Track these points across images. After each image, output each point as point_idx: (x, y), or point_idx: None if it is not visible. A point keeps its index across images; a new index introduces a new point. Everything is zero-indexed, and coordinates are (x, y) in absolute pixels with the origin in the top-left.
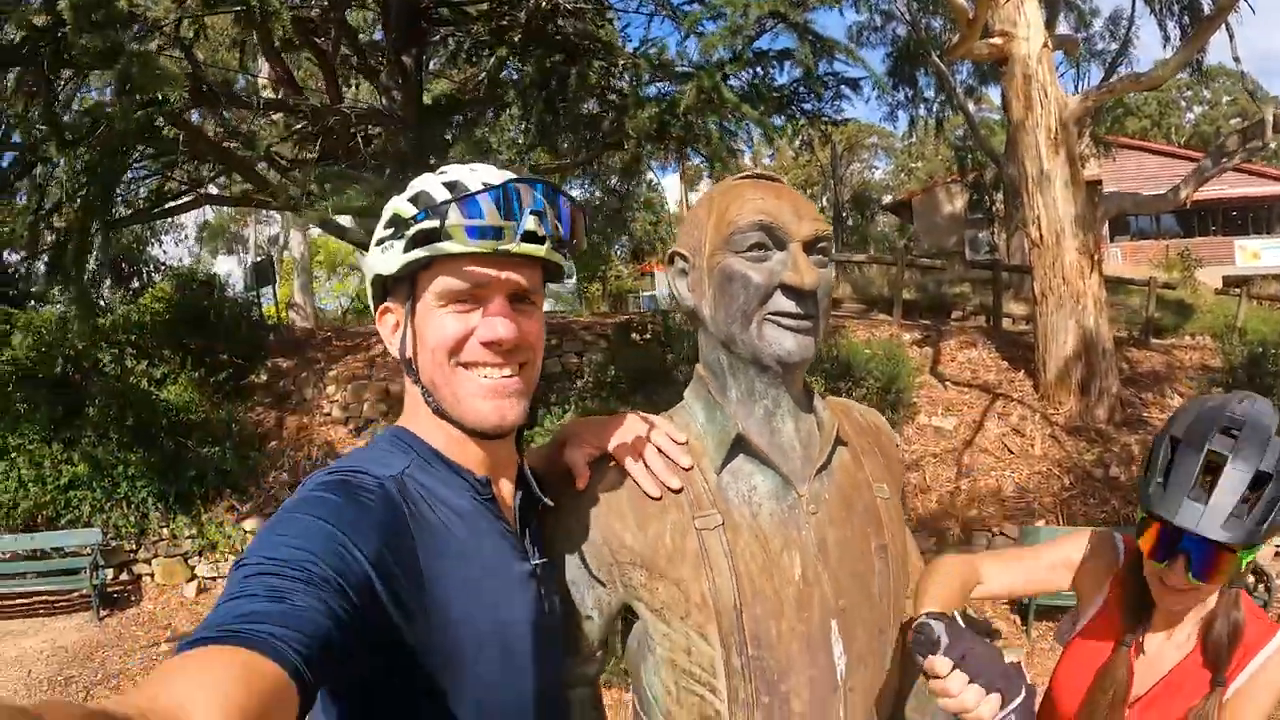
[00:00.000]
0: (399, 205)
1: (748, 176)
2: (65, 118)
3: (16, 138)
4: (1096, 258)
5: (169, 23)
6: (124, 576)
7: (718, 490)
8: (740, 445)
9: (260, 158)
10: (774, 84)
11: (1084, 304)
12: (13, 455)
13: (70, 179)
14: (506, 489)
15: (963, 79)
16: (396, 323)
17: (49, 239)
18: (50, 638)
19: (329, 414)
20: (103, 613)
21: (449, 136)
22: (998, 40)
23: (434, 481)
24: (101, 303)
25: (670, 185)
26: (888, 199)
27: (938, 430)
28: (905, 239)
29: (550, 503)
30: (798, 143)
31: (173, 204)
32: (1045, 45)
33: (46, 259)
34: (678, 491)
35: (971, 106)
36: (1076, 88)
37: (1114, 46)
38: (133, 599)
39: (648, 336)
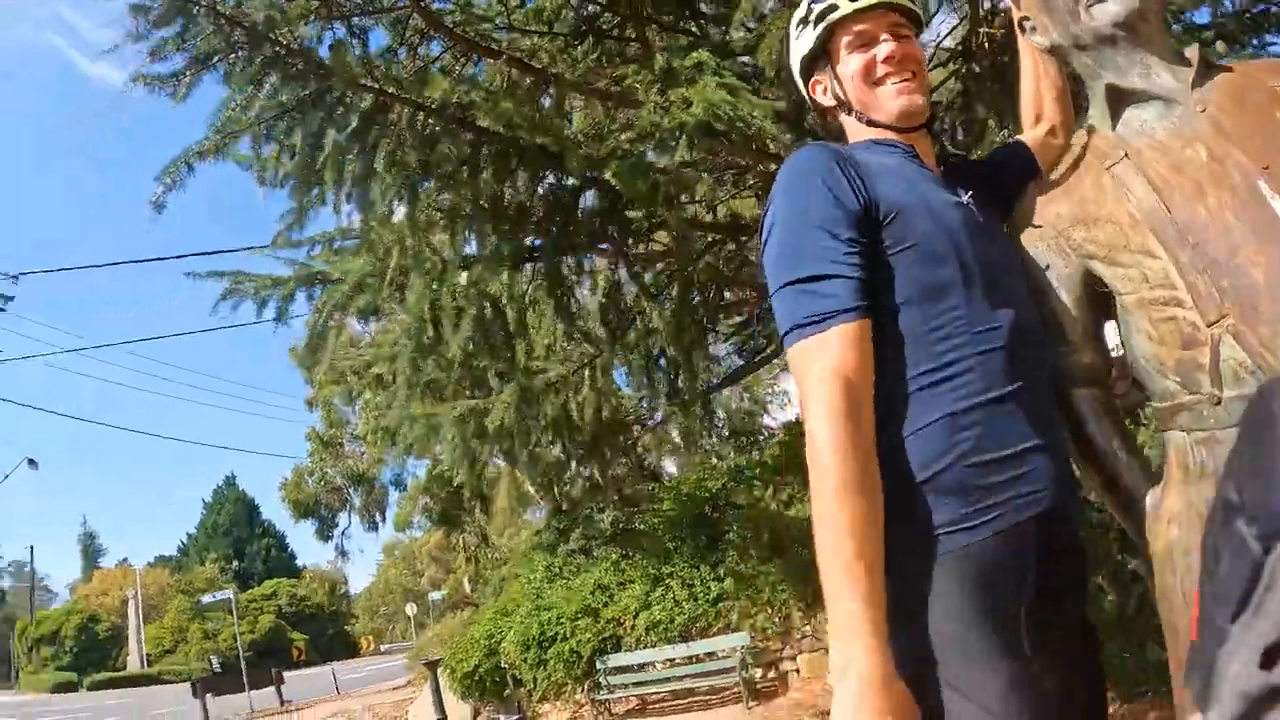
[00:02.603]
0: (798, 10)
1: None
2: (645, 277)
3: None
4: None
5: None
6: (771, 674)
7: (1117, 139)
8: (1118, 96)
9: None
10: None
11: None
12: (667, 581)
13: (664, 329)
14: (929, 161)
15: None
16: (825, 85)
17: (663, 389)
18: None
19: None
20: (751, 704)
21: None
22: None
23: (863, 153)
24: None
25: None
26: None
27: None
28: None
29: (959, 166)
30: None
31: (760, 360)
32: None
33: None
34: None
35: None
36: None
37: None
38: (779, 691)
39: None
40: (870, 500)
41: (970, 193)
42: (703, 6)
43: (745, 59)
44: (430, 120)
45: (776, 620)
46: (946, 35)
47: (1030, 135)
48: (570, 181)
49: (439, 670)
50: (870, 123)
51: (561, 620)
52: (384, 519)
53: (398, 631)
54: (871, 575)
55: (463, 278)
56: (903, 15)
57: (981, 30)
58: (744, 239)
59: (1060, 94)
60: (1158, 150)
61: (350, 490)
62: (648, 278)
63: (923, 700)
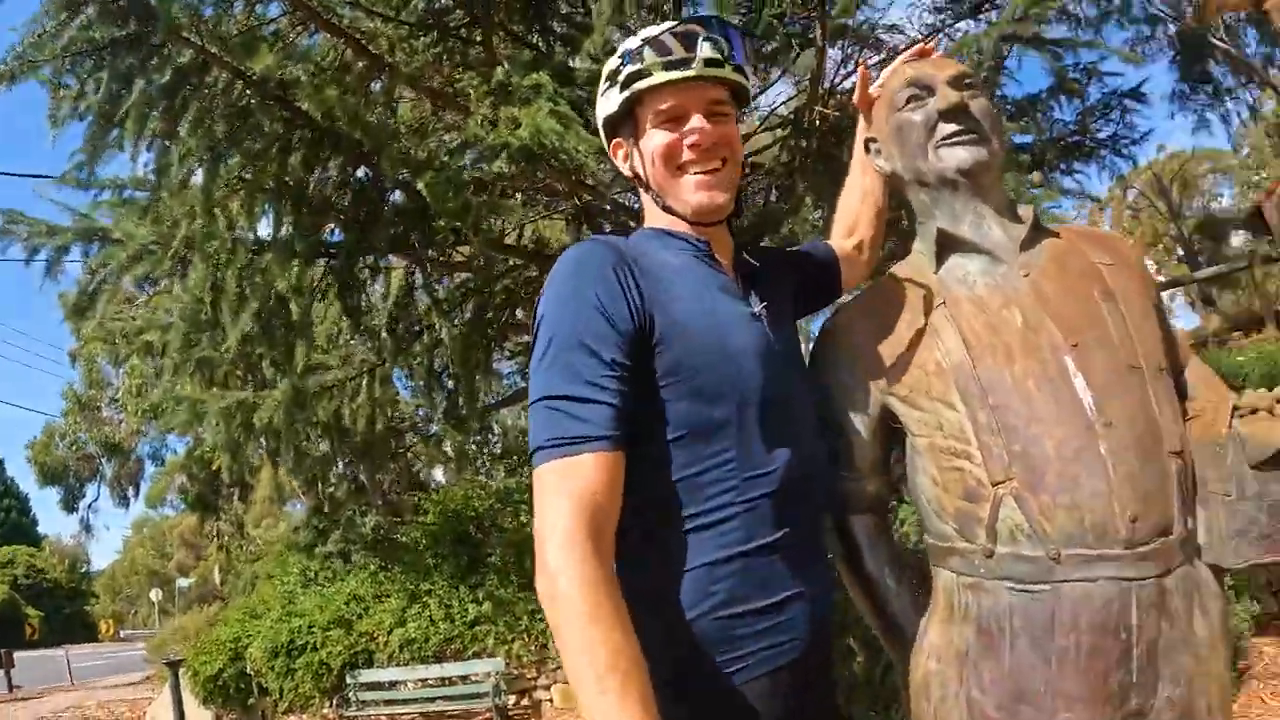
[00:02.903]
0: (609, 63)
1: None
2: (440, 293)
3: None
4: None
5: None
6: (525, 702)
7: (938, 283)
8: (947, 241)
9: None
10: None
11: None
12: (425, 599)
13: (451, 345)
14: (725, 260)
15: (1253, 52)
16: (626, 152)
17: (442, 403)
18: None
19: None
20: None
21: None
22: None
23: (651, 247)
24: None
25: None
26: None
27: None
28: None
29: (756, 263)
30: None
31: None
32: None
33: (438, 430)
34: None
35: (1274, 73)
36: None
37: None
38: (531, 719)
39: None
40: (625, 631)
41: (764, 302)
42: (555, 25)
43: (584, 91)
44: (249, 91)
45: (533, 648)
46: (781, 104)
47: (839, 245)
48: (383, 182)
49: (180, 671)
50: (666, 209)
51: (313, 629)
52: (136, 494)
53: (140, 617)
54: (640, 698)
55: (252, 263)
56: (726, 89)
57: (817, 108)
58: (547, 265)
59: (879, 215)
60: (975, 305)
61: (103, 460)
62: (442, 291)
63: None
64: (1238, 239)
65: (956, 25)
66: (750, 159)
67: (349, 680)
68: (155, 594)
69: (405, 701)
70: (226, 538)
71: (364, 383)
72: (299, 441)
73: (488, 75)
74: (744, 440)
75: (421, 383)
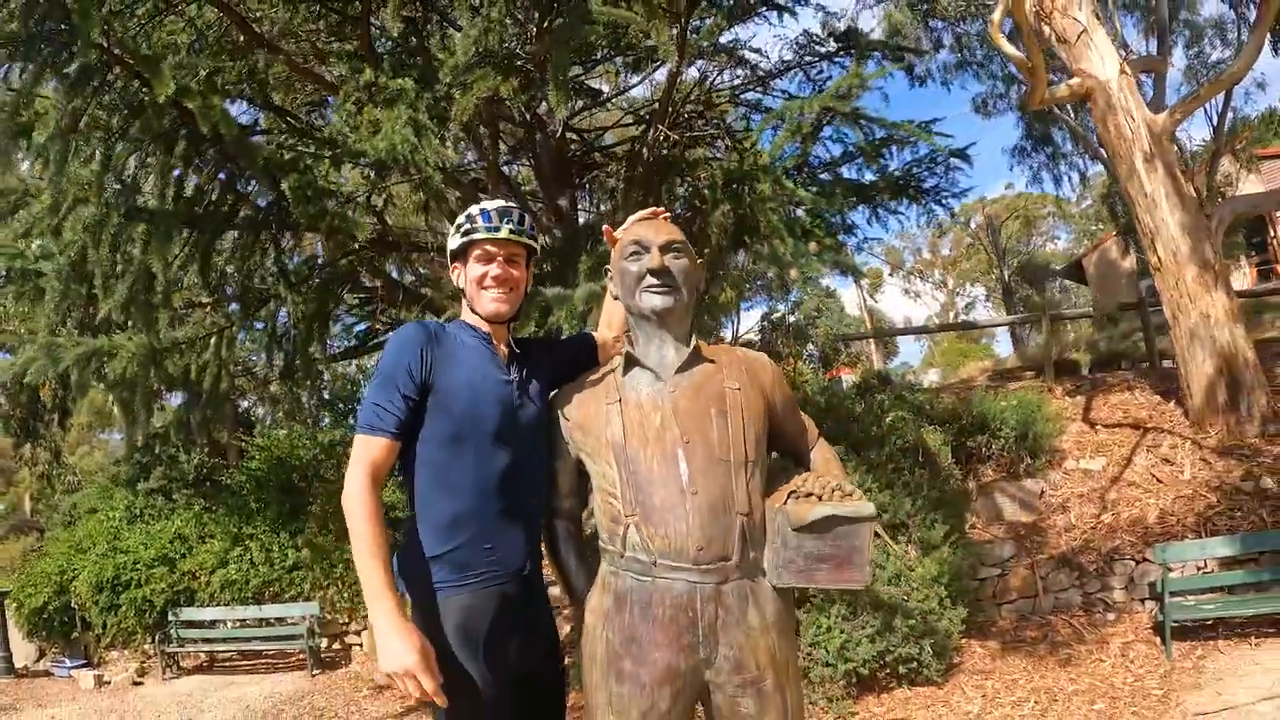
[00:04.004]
0: (458, 220)
1: (643, 218)
2: (290, 266)
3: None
4: (1218, 269)
5: (360, 194)
6: (336, 645)
7: (621, 386)
8: (631, 360)
9: (447, 297)
10: (887, 171)
11: (1214, 318)
12: (247, 542)
13: (294, 311)
14: (503, 348)
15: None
16: (459, 272)
17: (279, 364)
18: (270, 688)
19: None
20: (315, 672)
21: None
22: (1075, 80)
23: (457, 330)
24: (321, 426)
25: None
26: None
27: (1086, 472)
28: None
29: (519, 350)
30: (940, 225)
31: (375, 342)
32: (1123, 71)
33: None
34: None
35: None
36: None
37: (1210, 54)
38: (343, 663)
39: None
40: (378, 528)
41: (522, 373)
42: (429, 42)
43: (444, 103)
44: (142, 90)
45: (346, 595)
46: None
47: (600, 334)
48: (252, 184)
49: (4, 603)
50: (472, 309)
51: (138, 566)
52: None
53: None
54: (385, 566)
55: (123, 231)
56: (522, 248)
57: (660, 126)
58: (387, 250)
59: (623, 322)
60: (636, 408)
61: None
62: (290, 264)
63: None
64: (1053, 286)
65: (814, 63)
66: (609, 150)
67: (170, 617)
68: None
69: (224, 640)
70: (44, 465)
71: (212, 342)
72: (151, 391)
73: (360, 71)
74: (479, 451)
75: (264, 345)
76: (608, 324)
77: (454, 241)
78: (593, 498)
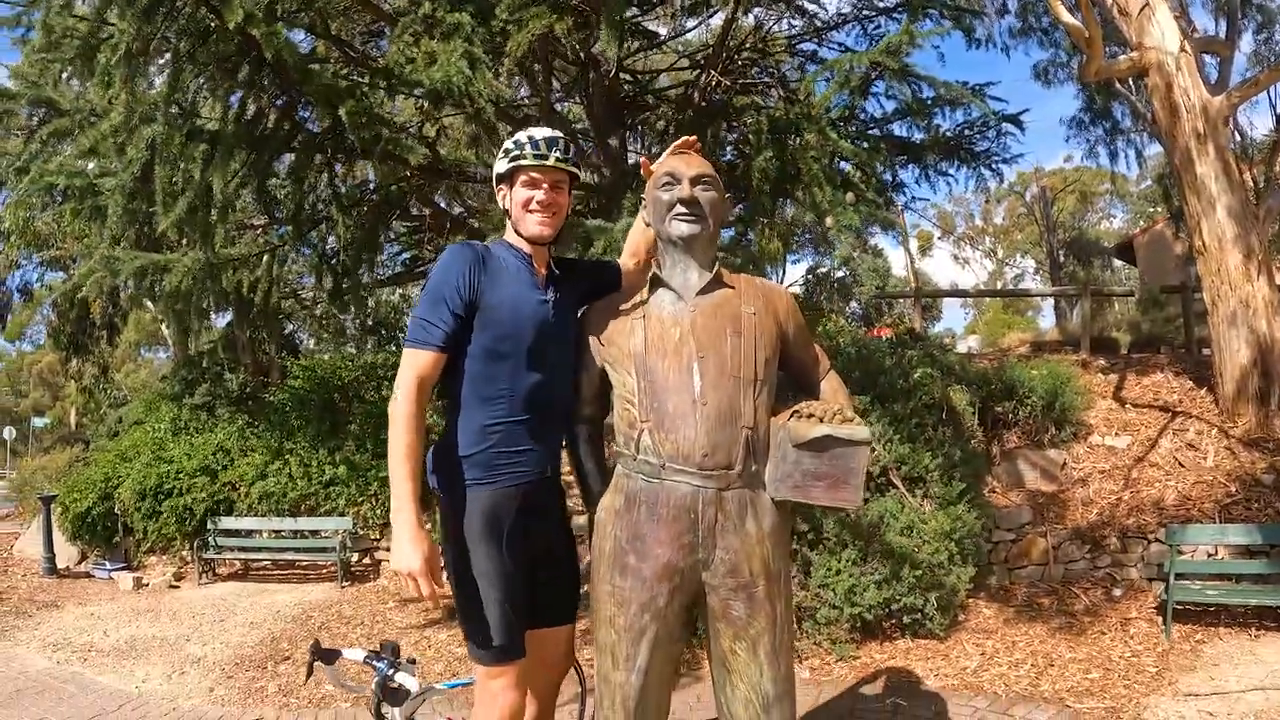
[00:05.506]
0: (506, 144)
1: (678, 149)
2: (342, 189)
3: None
4: (1262, 258)
5: (413, 124)
6: (366, 560)
7: (646, 303)
8: (657, 281)
9: (493, 227)
10: (938, 131)
11: (1254, 308)
12: (286, 456)
13: (344, 235)
14: (541, 269)
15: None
16: (504, 195)
17: (329, 286)
18: (301, 596)
19: None
20: (344, 584)
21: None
22: (1134, 53)
23: (501, 250)
24: (367, 349)
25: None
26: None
27: (1110, 449)
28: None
29: (558, 271)
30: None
31: (420, 270)
32: (1183, 49)
33: (320, 309)
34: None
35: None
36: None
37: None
38: (371, 577)
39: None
40: (416, 438)
41: (558, 294)
42: None
43: (499, 37)
44: (209, 17)
45: (379, 512)
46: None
47: (623, 262)
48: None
49: (51, 506)
50: (516, 230)
51: (180, 475)
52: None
53: None
54: (414, 476)
55: (185, 150)
56: (565, 175)
57: (713, 72)
58: (437, 178)
59: (651, 246)
60: (658, 322)
61: None
62: (344, 187)
63: (448, 566)
64: (1101, 264)
65: (871, 17)
66: (661, 92)
67: (209, 526)
68: (9, 432)
69: (259, 549)
70: (91, 380)
71: (264, 259)
72: (205, 305)
73: (418, 1)
74: (515, 365)
75: (313, 267)
76: (632, 253)
77: (501, 165)
78: (615, 410)
